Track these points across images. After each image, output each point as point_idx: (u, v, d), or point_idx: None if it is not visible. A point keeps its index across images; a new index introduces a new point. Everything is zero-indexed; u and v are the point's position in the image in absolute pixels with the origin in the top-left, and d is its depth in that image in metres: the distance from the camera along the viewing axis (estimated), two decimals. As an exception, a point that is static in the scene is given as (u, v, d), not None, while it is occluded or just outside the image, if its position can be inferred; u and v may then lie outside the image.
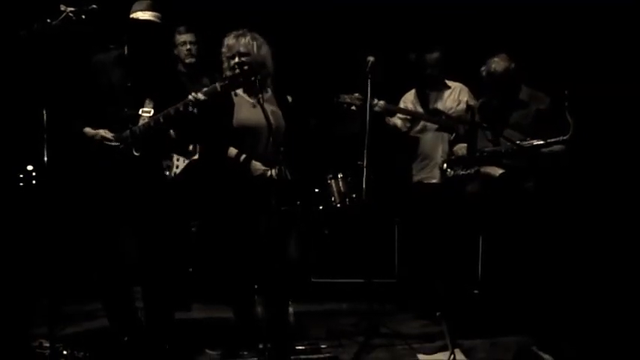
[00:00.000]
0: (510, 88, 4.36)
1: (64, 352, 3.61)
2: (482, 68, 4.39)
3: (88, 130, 3.63)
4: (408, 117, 5.02)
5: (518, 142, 4.23)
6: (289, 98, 3.94)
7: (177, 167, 4.51)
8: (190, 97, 3.52)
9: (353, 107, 4.70)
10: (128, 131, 3.58)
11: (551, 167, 4.30)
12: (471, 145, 4.45)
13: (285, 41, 4.28)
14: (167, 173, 4.36)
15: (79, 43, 4.04)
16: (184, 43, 4.87)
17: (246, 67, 3.63)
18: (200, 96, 3.53)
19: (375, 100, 4.74)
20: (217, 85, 3.56)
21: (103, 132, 3.59)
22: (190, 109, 3.52)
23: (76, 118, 3.68)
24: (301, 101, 4.06)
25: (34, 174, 5.03)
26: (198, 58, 4.85)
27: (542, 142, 4.20)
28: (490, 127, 4.38)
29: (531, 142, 4.23)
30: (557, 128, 4.24)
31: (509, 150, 4.25)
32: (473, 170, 4.36)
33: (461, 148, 4.59)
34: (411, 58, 5.01)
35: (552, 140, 4.17)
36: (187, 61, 4.86)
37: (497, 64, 4.32)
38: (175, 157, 4.46)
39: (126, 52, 3.69)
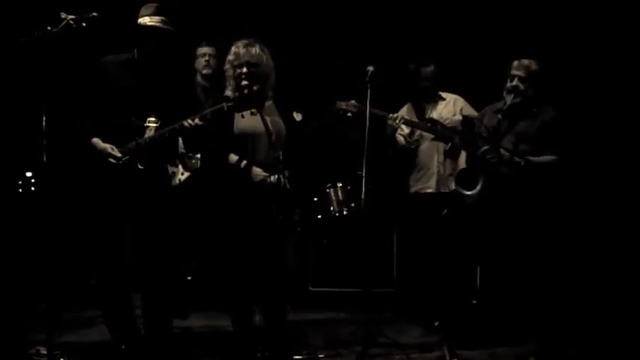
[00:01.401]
0: (530, 90, 4.34)
1: (61, 360, 3.61)
2: (514, 61, 4.39)
3: (96, 141, 3.63)
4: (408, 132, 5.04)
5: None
6: (299, 116, 3.94)
7: (182, 174, 4.52)
8: (197, 120, 3.53)
9: (349, 114, 4.70)
10: (134, 143, 3.58)
11: (543, 175, 4.30)
12: (471, 154, 4.46)
13: (286, 44, 4.29)
14: (172, 180, 4.39)
15: (82, 50, 4.05)
16: (204, 54, 4.97)
17: (249, 81, 3.63)
18: (207, 117, 3.54)
19: (392, 115, 4.75)
20: (225, 105, 3.55)
21: (110, 148, 3.59)
22: (198, 123, 3.53)
23: (84, 118, 3.67)
24: (302, 105, 4.06)
25: (32, 180, 5.05)
26: (216, 72, 4.89)
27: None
28: (488, 138, 4.38)
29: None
30: (555, 140, 4.27)
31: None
32: None
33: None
34: (411, 69, 5.02)
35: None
36: (204, 72, 4.96)
37: (531, 62, 4.34)
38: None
39: (135, 56, 3.70)
